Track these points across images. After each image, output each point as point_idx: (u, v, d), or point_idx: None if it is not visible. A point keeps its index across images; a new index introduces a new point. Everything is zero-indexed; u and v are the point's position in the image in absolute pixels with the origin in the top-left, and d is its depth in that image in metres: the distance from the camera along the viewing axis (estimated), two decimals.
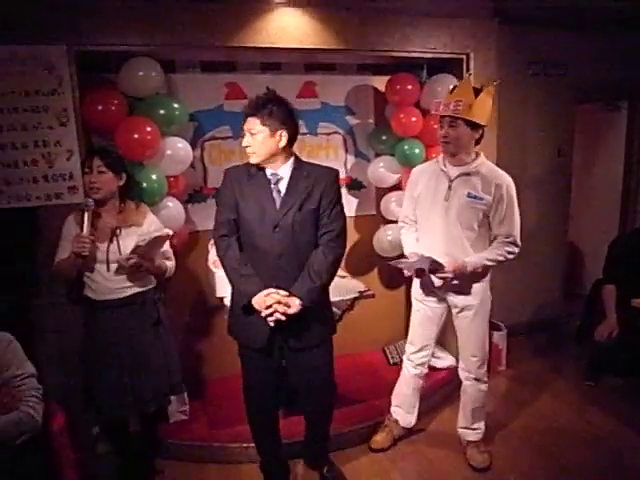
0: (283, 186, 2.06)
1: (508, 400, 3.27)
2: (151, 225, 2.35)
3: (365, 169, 3.43)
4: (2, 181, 2.44)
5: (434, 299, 2.56)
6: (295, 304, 2.00)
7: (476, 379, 2.57)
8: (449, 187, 2.40)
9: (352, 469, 2.59)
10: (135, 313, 2.32)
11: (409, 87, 3.17)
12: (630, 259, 3.24)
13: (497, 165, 3.20)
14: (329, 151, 3.40)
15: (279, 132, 2.01)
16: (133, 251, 2.18)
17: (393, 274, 3.55)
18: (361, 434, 2.81)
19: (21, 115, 2.42)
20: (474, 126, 2.33)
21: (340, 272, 3.29)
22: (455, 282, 2.43)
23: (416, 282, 2.62)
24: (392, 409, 2.79)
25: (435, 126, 2.65)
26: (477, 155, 2.44)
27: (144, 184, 2.60)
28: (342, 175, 3.48)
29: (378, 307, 3.42)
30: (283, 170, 2.07)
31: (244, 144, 2.04)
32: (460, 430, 2.68)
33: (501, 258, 2.39)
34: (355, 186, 3.51)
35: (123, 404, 2.28)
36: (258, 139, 1.99)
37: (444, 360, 3.40)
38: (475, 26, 3.09)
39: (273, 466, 2.44)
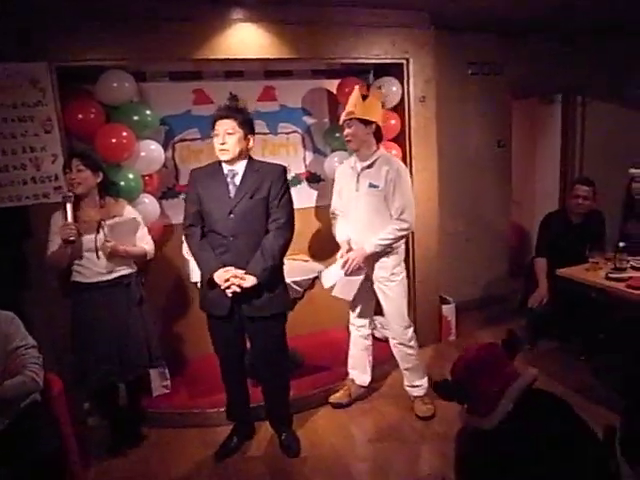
0: (238, 179, 2.44)
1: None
2: (130, 214, 2.69)
3: (322, 164, 3.81)
4: None
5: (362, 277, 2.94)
6: (250, 279, 2.38)
7: (400, 343, 2.98)
8: (357, 180, 2.84)
9: (315, 426, 2.98)
10: (121, 293, 2.67)
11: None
12: (555, 235, 3.70)
13: (439, 155, 3.65)
14: (289, 149, 3.78)
15: (249, 137, 2.42)
16: (109, 232, 2.54)
17: None
18: (325, 396, 3.21)
19: (9, 125, 2.74)
20: (366, 123, 2.75)
21: (302, 256, 3.71)
22: (362, 264, 2.83)
23: None
24: (349, 370, 3.20)
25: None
26: (377, 149, 2.86)
27: (122, 183, 2.94)
28: (302, 170, 3.86)
29: None
30: (238, 166, 2.45)
31: (220, 142, 2.36)
32: (406, 388, 3.09)
33: (391, 236, 2.79)
34: (314, 179, 3.90)
35: (110, 372, 2.63)
36: (233, 139, 2.35)
37: None
38: (413, 35, 3.50)
39: (240, 424, 2.81)
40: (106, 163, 2.81)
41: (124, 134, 2.91)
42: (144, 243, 2.76)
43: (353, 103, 2.77)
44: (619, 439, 1.47)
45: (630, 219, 4.02)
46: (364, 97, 2.77)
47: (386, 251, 2.86)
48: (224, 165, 2.45)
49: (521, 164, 5.58)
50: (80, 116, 2.88)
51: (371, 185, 2.79)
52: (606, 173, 4.24)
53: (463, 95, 4.34)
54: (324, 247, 3.96)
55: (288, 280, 2.93)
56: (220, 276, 2.39)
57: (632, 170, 3.80)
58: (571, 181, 5.04)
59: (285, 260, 2.62)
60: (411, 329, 2.99)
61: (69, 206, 2.49)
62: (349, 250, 2.88)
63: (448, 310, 4.03)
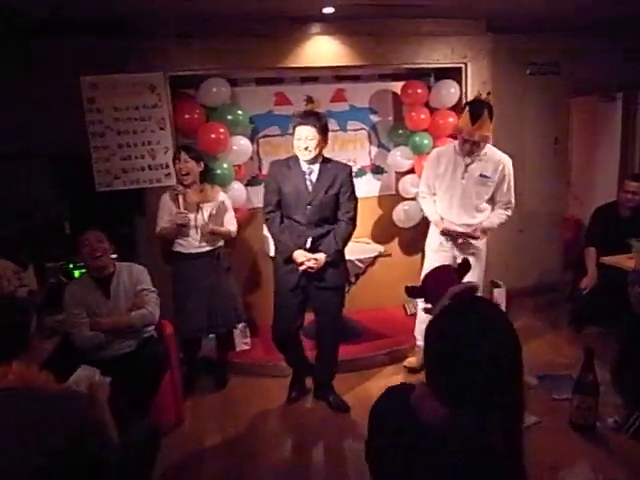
0: (314, 176, 2.91)
1: None
2: (222, 199, 3.30)
3: (385, 157, 4.28)
4: (121, 170, 3.46)
5: (444, 252, 3.40)
6: (322, 258, 2.89)
7: None
8: (465, 170, 3.26)
9: (381, 385, 3.44)
10: (212, 262, 3.28)
11: (419, 91, 4.00)
12: (605, 226, 3.95)
13: None
14: (356, 144, 4.27)
15: (325, 140, 2.90)
16: (207, 214, 3.16)
17: (410, 242, 4.40)
18: (389, 357, 3.70)
19: (133, 123, 3.43)
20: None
21: (365, 239, 4.21)
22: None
23: (431, 235, 3.47)
24: (417, 343, 3.64)
25: (440, 121, 3.64)
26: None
27: (218, 171, 3.56)
28: (367, 163, 4.35)
29: (397, 269, 4.26)
30: (314, 165, 2.91)
31: (303, 146, 2.79)
32: None
33: (501, 220, 3.38)
34: (378, 171, 4.37)
35: (202, 327, 3.26)
36: (313, 143, 2.82)
37: None
38: (470, 41, 3.88)
39: (298, 366, 3.31)
40: (206, 155, 3.43)
41: (221, 131, 3.53)
42: (230, 225, 3.35)
43: (479, 127, 3.11)
44: (610, 371, 1.86)
45: None
46: (478, 114, 3.11)
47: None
48: (302, 162, 2.89)
49: (581, 160, 5.75)
50: (186, 116, 3.54)
51: (482, 175, 3.25)
52: None
53: (521, 94, 4.63)
54: (384, 232, 4.45)
55: (353, 257, 3.47)
56: (298, 255, 2.88)
57: None
58: None
59: (350, 242, 3.12)
60: None
61: (181, 197, 3.12)
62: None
63: (498, 293, 4.38)
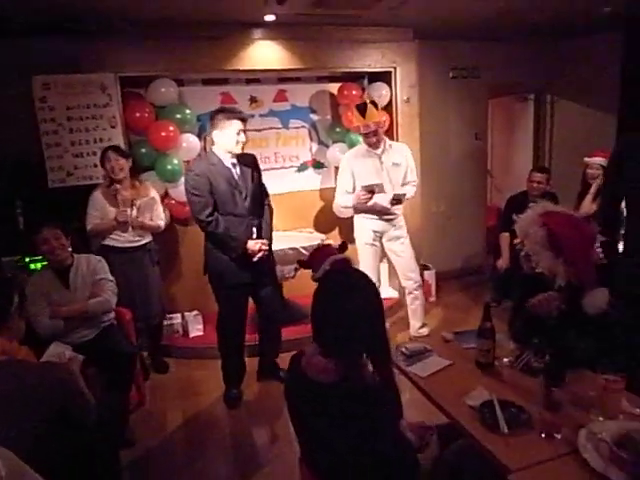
0: (238, 169, 3.05)
1: (433, 317, 4.52)
2: (152, 194, 3.48)
3: (325, 153, 4.63)
4: (73, 167, 3.60)
5: (375, 247, 3.82)
6: (266, 242, 3.15)
7: (418, 288, 3.93)
8: (380, 160, 3.66)
9: None
10: (144, 255, 3.48)
11: (354, 92, 4.38)
12: (516, 212, 4.48)
13: (424, 146, 4.51)
14: (298, 140, 4.60)
15: None
16: (137, 210, 3.35)
17: (349, 230, 4.79)
18: None
19: (85, 121, 3.58)
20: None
21: (308, 229, 4.54)
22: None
23: (359, 229, 3.86)
24: None
25: (353, 125, 4.01)
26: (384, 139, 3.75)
27: (168, 167, 3.77)
28: (308, 158, 4.68)
29: None
30: (234, 159, 3.04)
31: (242, 139, 2.97)
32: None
33: (413, 192, 3.84)
34: (318, 166, 4.72)
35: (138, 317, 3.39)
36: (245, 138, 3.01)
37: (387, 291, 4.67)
38: (399, 48, 4.30)
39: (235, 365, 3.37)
40: (156, 152, 3.64)
41: (170, 129, 3.75)
42: (159, 219, 3.52)
43: (369, 117, 3.52)
44: (508, 322, 2.30)
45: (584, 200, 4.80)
46: (364, 108, 3.53)
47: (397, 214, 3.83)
48: (225, 158, 2.98)
49: (501, 154, 6.38)
50: (137, 114, 3.72)
51: (394, 163, 3.70)
52: (570, 161, 5.00)
53: (445, 95, 5.13)
54: (326, 221, 4.81)
55: (297, 246, 3.80)
56: (253, 244, 3.04)
57: (586, 159, 4.53)
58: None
59: (295, 232, 3.43)
60: None
61: (119, 196, 3.28)
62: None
63: (429, 275, 4.86)
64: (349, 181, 3.77)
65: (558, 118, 5.70)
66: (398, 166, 3.74)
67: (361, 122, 3.56)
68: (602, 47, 4.91)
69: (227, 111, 3.02)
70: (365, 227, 3.85)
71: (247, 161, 3.11)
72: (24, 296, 1.89)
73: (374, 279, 3.53)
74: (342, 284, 1.44)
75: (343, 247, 2.30)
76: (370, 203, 3.64)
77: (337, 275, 1.60)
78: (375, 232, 3.82)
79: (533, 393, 1.69)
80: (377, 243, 3.86)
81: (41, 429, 1.66)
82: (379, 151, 3.70)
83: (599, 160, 4.15)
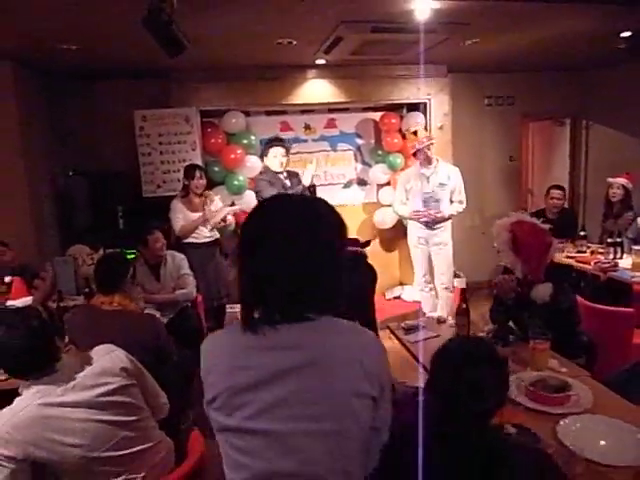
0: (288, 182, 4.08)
1: None
2: (217, 204, 4.27)
3: (368, 172, 5.33)
4: (162, 181, 4.53)
5: (422, 246, 4.46)
6: None
7: (448, 287, 4.53)
8: (427, 181, 4.32)
9: None
10: (215, 249, 4.26)
11: (393, 120, 5.07)
12: None
13: (462, 167, 5.08)
14: (345, 162, 5.34)
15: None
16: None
17: (388, 240, 5.44)
18: None
19: (172, 145, 4.51)
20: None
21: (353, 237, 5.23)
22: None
23: (409, 233, 4.54)
24: None
25: (409, 145, 4.60)
26: (437, 160, 4.37)
27: (235, 182, 4.63)
28: (354, 176, 5.41)
29: (378, 262, 5.27)
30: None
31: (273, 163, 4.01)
32: None
33: (459, 210, 4.41)
34: (362, 183, 5.43)
35: (213, 297, 4.23)
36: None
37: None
38: (433, 81, 4.97)
39: None
40: (227, 170, 4.50)
41: (238, 152, 4.61)
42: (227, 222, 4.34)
43: (420, 135, 4.30)
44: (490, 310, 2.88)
45: (609, 217, 5.17)
46: (415, 132, 4.34)
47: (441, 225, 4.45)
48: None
49: (538, 175, 6.79)
50: (212, 140, 4.62)
51: (440, 184, 4.34)
52: (603, 182, 5.37)
53: (481, 121, 5.70)
54: (366, 231, 5.49)
55: None
56: None
57: (609, 179, 4.94)
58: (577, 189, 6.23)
59: None
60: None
61: (193, 202, 4.12)
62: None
63: (459, 282, 5.39)
64: (403, 194, 4.49)
65: (593, 141, 6.08)
66: (444, 186, 4.36)
67: (416, 139, 4.29)
68: (630, 75, 5.30)
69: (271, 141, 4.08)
70: (412, 232, 4.52)
71: (293, 174, 4.08)
72: (135, 270, 2.72)
73: (420, 274, 4.18)
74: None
75: (366, 243, 2.96)
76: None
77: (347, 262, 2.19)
78: (419, 237, 4.47)
79: None
80: (422, 246, 4.49)
81: (142, 357, 2.45)
82: (429, 172, 4.34)
83: (622, 181, 4.56)
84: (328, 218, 1.13)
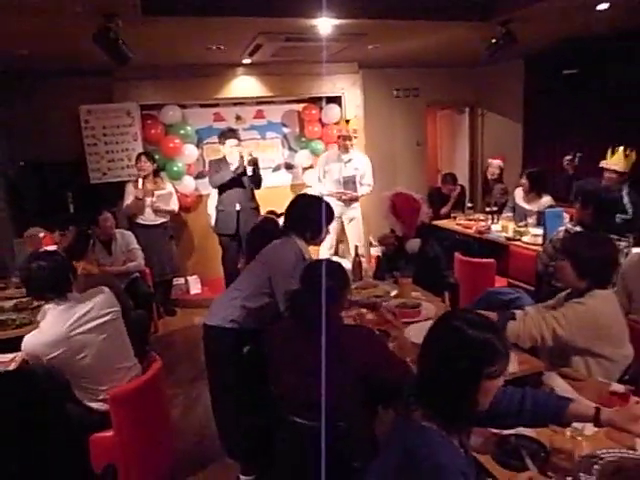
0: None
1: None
2: (168, 188, 4.92)
3: (294, 157, 6.07)
4: (107, 169, 5.06)
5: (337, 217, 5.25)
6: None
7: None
8: (345, 165, 5.10)
9: None
10: (161, 230, 4.92)
11: (314, 111, 5.82)
12: (435, 204, 5.90)
13: (373, 151, 5.89)
14: (273, 148, 6.05)
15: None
16: (157, 198, 4.80)
17: None
18: None
19: (116, 137, 5.05)
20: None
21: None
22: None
23: None
24: None
25: (328, 132, 5.40)
26: (353, 147, 5.21)
27: (175, 168, 5.23)
28: (281, 161, 6.12)
29: None
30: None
31: (230, 151, 4.63)
32: None
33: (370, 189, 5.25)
34: (289, 167, 6.16)
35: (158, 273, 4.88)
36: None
37: None
38: (346, 77, 5.75)
39: None
40: (165, 158, 5.09)
41: (176, 141, 5.21)
42: (173, 205, 4.96)
43: (343, 126, 5.04)
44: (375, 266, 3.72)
45: (486, 193, 6.18)
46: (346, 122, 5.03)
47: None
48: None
49: (446, 157, 7.79)
50: (152, 131, 5.19)
51: (355, 169, 5.16)
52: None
53: (391, 110, 6.56)
54: None
55: None
56: None
57: (490, 160, 5.94)
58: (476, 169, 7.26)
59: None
60: None
61: (140, 184, 4.71)
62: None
63: (375, 250, 6.27)
64: (321, 174, 5.29)
65: (487, 126, 7.11)
66: (357, 170, 5.22)
67: (345, 127, 5.33)
68: (508, 70, 6.30)
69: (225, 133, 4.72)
70: None
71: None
72: (94, 243, 3.35)
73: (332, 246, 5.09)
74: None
75: (282, 214, 3.70)
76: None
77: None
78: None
79: None
80: (337, 218, 5.26)
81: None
82: (346, 158, 5.14)
83: (499, 163, 5.59)
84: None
